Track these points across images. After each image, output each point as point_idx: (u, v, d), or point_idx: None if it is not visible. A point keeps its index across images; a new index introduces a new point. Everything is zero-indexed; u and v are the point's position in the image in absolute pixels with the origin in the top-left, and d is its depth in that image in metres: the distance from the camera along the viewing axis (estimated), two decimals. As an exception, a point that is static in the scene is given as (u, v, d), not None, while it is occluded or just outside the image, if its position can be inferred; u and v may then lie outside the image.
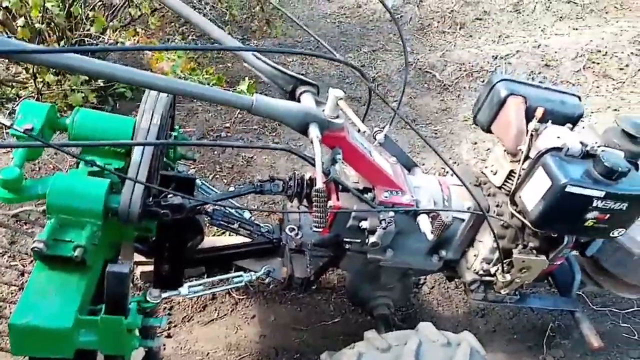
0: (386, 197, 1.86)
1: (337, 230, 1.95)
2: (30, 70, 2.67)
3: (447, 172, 2.27)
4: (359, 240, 1.99)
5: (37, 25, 2.46)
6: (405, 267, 2.16)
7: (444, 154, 3.75)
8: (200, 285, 1.86)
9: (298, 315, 2.77)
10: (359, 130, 1.85)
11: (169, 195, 1.75)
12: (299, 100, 1.71)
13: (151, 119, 1.80)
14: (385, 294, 2.32)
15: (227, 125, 3.86)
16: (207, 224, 2.18)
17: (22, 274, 2.68)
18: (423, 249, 2.09)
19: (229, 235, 3.06)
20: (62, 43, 2.52)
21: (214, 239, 2.77)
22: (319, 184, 1.50)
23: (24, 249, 2.74)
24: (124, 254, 2.20)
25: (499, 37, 5.20)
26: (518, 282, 2.02)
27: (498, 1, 5.65)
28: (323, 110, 1.66)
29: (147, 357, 2.07)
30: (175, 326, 2.68)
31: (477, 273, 2.09)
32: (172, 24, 4.28)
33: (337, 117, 1.68)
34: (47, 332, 1.43)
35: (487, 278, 2.08)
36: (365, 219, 1.88)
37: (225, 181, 3.45)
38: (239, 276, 1.98)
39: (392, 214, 1.82)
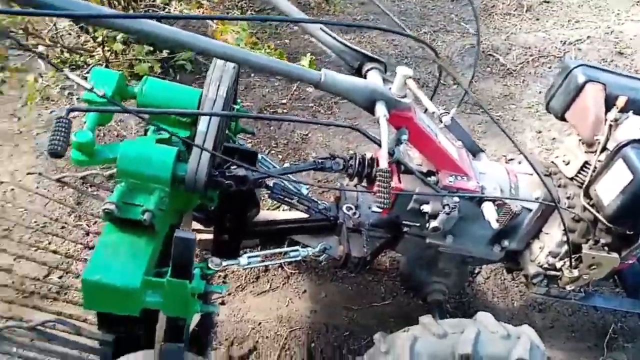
0: (451, 181, 1.81)
1: (397, 212, 1.91)
2: (99, 39, 2.75)
3: (513, 160, 2.17)
4: (418, 224, 1.95)
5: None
6: (464, 254, 2.11)
7: (505, 140, 3.61)
8: (258, 256, 1.88)
9: (349, 293, 2.78)
10: (425, 111, 1.80)
11: (233, 167, 1.78)
12: (365, 77, 1.68)
13: (217, 90, 1.81)
14: (440, 280, 2.28)
15: (284, 101, 3.86)
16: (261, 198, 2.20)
17: (87, 234, 2.80)
18: (485, 238, 2.03)
19: (282, 210, 3.11)
20: (129, 11, 2.58)
21: (267, 213, 2.80)
22: (384, 163, 1.46)
23: (90, 209, 2.86)
24: (183, 221, 2.26)
25: (568, 21, 4.92)
26: (585, 279, 1.94)
27: (569, -17, 5.35)
28: (390, 89, 1.62)
29: (201, 322, 2.14)
30: (229, 294, 2.74)
31: (541, 266, 2.01)
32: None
33: (405, 96, 1.63)
34: (116, 290, 1.49)
35: (552, 272, 2.00)
36: (427, 203, 1.84)
37: (280, 157, 3.47)
38: (295, 250, 1.99)
39: (456, 199, 1.77)
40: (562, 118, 2.01)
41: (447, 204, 1.77)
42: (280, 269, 2.85)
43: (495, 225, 1.75)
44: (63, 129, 1.31)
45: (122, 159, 1.62)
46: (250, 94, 3.85)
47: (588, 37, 4.64)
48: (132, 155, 1.63)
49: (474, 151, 2.08)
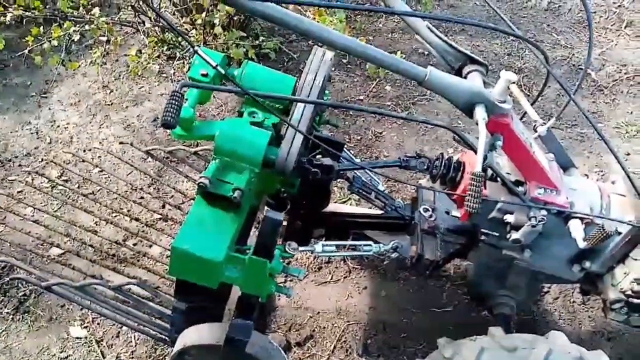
0: (540, 194, 1.76)
1: (477, 219, 1.88)
2: (198, 21, 2.87)
3: (607, 178, 2.08)
4: (497, 234, 1.91)
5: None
6: (539, 270, 2.04)
7: (589, 160, 3.45)
8: (332, 246, 1.90)
9: (409, 295, 2.76)
10: (521, 118, 1.76)
11: (320, 156, 1.81)
12: (466, 79, 1.66)
13: (314, 79, 1.85)
14: (510, 293, 2.21)
15: (361, 97, 3.87)
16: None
17: (164, 205, 2.94)
18: (565, 256, 1.95)
19: (348, 203, 3.13)
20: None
21: (334, 205, 2.82)
22: (479, 167, 1.45)
23: (170, 182, 2.99)
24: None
25: (673, 40, 4.61)
26: (674, 312, 1.83)
27: (676, 0, 5.00)
28: (491, 92, 1.59)
29: (262, 304, 2.19)
30: (290, 280, 2.79)
31: (623, 293, 1.91)
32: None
33: (504, 101, 1.60)
34: (201, 261, 1.56)
35: (636, 300, 1.89)
36: (511, 213, 1.79)
37: (352, 152, 3.47)
38: (368, 245, 2.00)
39: (544, 212, 1.72)
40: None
41: (534, 217, 1.72)
42: (342, 262, 2.88)
43: (582, 245, 1.69)
44: (176, 102, 1.38)
45: (220, 137, 1.69)
46: (328, 87, 3.88)
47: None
48: (229, 134, 1.70)
49: (567, 166, 2.01)
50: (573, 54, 4.28)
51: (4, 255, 2.27)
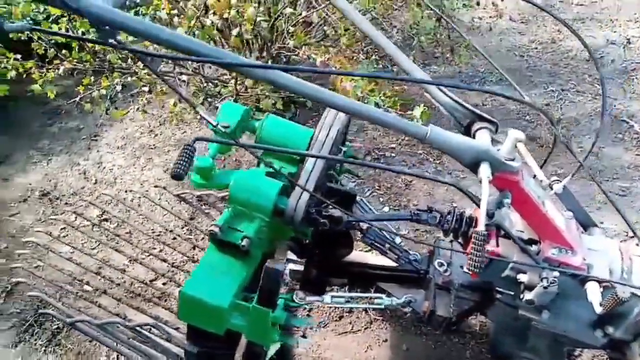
0: (554, 254, 1.71)
1: (491, 277, 1.84)
2: (233, 73, 3.04)
3: (632, 238, 1.99)
4: (512, 293, 1.85)
5: (246, 36, 2.80)
6: (558, 333, 1.95)
7: (631, 216, 3.29)
8: (342, 297, 1.91)
9: (430, 351, 2.68)
10: (534, 177, 1.73)
11: (330, 207, 1.84)
12: (474, 136, 1.66)
13: (327, 134, 1.91)
14: (531, 356, 2.12)
15: (393, 145, 3.90)
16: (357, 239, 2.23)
17: (194, 248, 3.03)
18: (587, 319, 1.86)
19: (374, 253, 3.11)
20: (263, 53, 2.83)
21: (359, 254, 2.82)
22: (481, 226, 1.44)
23: (200, 225, 3.10)
24: (279, 251, 2.36)
25: None
26: None
27: None
28: (498, 150, 1.59)
29: (281, 352, 2.19)
30: (311, 329, 2.78)
31: (650, 363, 1.79)
32: (358, 43, 4.48)
33: (513, 159, 1.59)
34: (207, 307, 1.61)
35: (663, 373, 1.77)
36: (525, 273, 1.75)
37: (381, 200, 3.49)
38: (379, 298, 1.99)
39: (556, 273, 1.66)
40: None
41: (546, 277, 1.67)
42: (364, 312, 2.84)
43: (598, 310, 1.61)
44: (187, 155, 1.47)
45: (234, 186, 1.77)
46: (361, 135, 3.95)
47: None
48: (242, 184, 1.78)
49: (587, 224, 1.94)
50: (615, 105, 4.16)
51: (38, 291, 2.40)
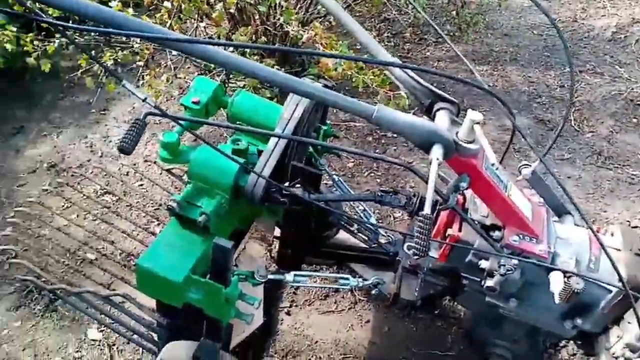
0: (515, 241, 1.65)
1: (455, 262, 1.80)
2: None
3: (605, 230, 1.89)
4: (478, 279, 1.80)
5: (231, 10, 2.76)
6: (531, 323, 1.90)
7: (634, 205, 3.15)
8: (305, 277, 1.90)
9: (412, 334, 2.66)
10: (501, 161, 1.67)
11: (296, 185, 1.83)
12: (434, 116, 1.61)
13: (293, 112, 1.88)
14: (505, 344, 2.07)
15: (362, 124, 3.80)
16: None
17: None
18: (555, 310, 1.80)
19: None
20: (249, 28, 2.78)
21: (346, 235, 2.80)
22: (427, 209, 1.39)
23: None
24: (265, 227, 2.37)
25: None
26: (668, 385, 1.61)
27: None
28: (457, 132, 1.53)
29: (263, 328, 2.21)
30: (296, 306, 2.80)
31: (616, 358, 1.72)
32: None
33: (472, 142, 1.53)
34: (162, 280, 1.63)
35: (628, 368, 1.70)
36: (486, 259, 1.70)
37: (378, 181, 3.45)
38: (345, 279, 1.97)
39: (515, 261, 1.61)
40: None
41: (504, 265, 1.61)
42: (350, 292, 2.84)
43: (557, 300, 1.56)
44: (136, 130, 1.48)
45: (194, 161, 1.78)
46: (332, 116, 3.88)
47: None
48: (202, 160, 1.78)
49: (560, 212, 1.86)
50: (632, 88, 3.95)
51: (27, 260, 2.49)
